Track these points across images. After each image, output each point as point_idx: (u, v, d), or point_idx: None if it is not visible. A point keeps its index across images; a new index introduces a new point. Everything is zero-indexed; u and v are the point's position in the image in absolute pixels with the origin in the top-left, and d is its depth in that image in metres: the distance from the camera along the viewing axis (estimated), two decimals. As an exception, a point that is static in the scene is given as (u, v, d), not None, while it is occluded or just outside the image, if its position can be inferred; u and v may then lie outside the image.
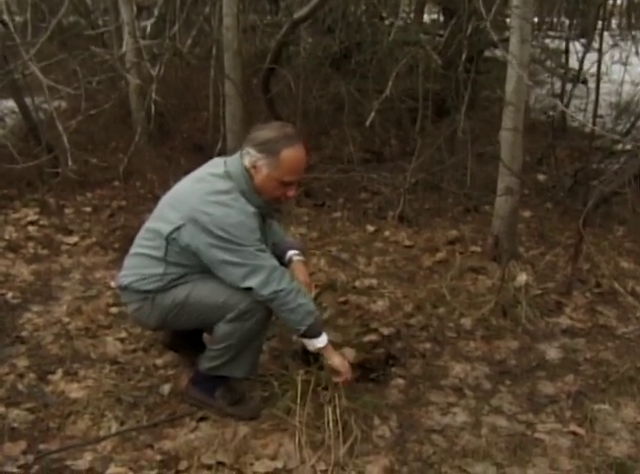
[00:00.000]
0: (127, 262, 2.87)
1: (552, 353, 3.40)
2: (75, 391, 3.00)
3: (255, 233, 2.65)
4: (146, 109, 4.85)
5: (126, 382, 3.07)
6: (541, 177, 5.56)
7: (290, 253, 3.05)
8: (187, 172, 2.87)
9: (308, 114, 5.76)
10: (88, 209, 4.97)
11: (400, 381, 3.14)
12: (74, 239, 4.52)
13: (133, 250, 2.86)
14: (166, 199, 2.82)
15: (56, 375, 3.11)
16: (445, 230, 4.56)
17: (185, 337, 3.17)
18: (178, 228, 2.66)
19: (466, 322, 3.58)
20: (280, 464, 2.59)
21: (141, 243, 2.82)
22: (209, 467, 2.57)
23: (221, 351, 2.78)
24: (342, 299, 3.76)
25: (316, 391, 2.83)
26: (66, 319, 3.57)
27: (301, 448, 2.64)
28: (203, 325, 2.87)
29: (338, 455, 2.61)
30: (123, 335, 3.46)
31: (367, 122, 4.07)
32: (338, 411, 2.72)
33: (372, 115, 4.05)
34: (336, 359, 2.84)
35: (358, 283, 3.93)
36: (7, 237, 4.44)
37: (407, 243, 4.45)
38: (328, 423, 2.68)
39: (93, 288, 3.92)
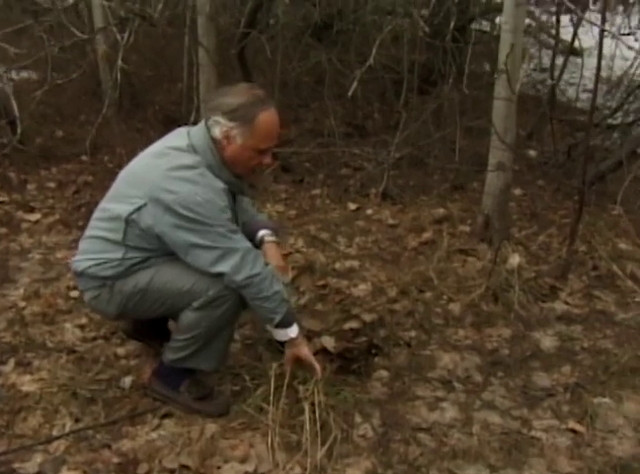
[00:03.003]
0: (82, 245, 2.58)
1: (547, 341, 3.15)
2: (27, 384, 2.73)
3: (225, 212, 2.38)
4: (114, 78, 4.51)
5: (84, 374, 2.80)
6: (532, 152, 5.31)
7: (262, 233, 2.76)
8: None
9: (287, 85, 5.46)
10: (52, 185, 4.65)
11: (384, 373, 2.88)
12: (36, 216, 4.22)
13: (88, 232, 2.56)
14: (123, 176, 2.53)
15: (8, 366, 2.85)
16: (432, 208, 4.29)
17: (148, 325, 2.89)
18: (138, 209, 2.38)
19: (455, 308, 3.33)
20: (250, 468, 2.35)
21: (97, 224, 2.53)
22: (172, 471, 2.32)
23: (187, 341, 2.52)
24: (321, 283, 3.50)
25: (292, 386, 2.57)
26: (22, 303, 3.29)
27: (274, 450, 2.39)
28: (169, 313, 2.59)
29: (315, 458, 2.36)
30: (84, 321, 3.18)
31: (349, 93, 3.77)
32: (316, 408, 2.46)
33: (354, 85, 3.76)
34: (306, 351, 2.59)
35: (338, 265, 3.67)
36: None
37: (391, 222, 4.19)
38: (304, 422, 2.42)
39: (53, 270, 3.63)
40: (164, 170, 2.35)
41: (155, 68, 5.94)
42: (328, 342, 2.97)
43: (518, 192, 4.62)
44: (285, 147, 4.89)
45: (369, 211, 4.35)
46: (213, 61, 4.33)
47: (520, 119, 5.45)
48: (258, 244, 2.73)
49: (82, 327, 3.14)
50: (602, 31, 3.19)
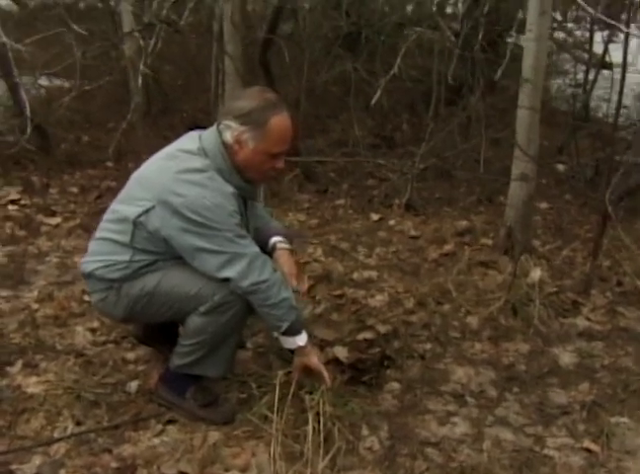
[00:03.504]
0: (91, 247, 2.56)
1: (566, 357, 3.06)
2: (33, 385, 2.71)
3: (234, 217, 2.34)
4: (139, 83, 4.53)
5: (90, 378, 2.76)
6: (561, 167, 5.20)
7: (274, 239, 2.71)
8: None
9: (314, 94, 5.42)
10: (74, 190, 4.68)
11: (395, 385, 2.81)
12: (56, 220, 4.23)
13: (98, 233, 2.54)
14: (135, 178, 2.51)
15: (15, 367, 2.82)
16: (455, 220, 4.21)
17: (159, 330, 2.85)
18: (146, 211, 2.35)
19: (472, 321, 3.25)
20: (250, 477, 2.29)
21: (106, 226, 2.51)
22: (170, 478, 2.28)
23: (193, 347, 2.48)
24: (337, 292, 3.44)
25: (298, 395, 2.51)
26: (35, 306, 3.28)
27: (276, 460, 2.32)
28: (175, 318, 2.54)
29: (317, 469, 2.29)
30: (95, 325, 3.16)
31: (373, 101, 3.73)
32: (321, 419, 2.39)
33: (378, 93, 3.72)
34: (314, 360, 2.54)
35: (356, 276, 3.61)
36: (-18, 218, 4.17)
37: (412, 233, 4.12)
38: (308, 432, 2.36)
39: (69, 273, 3.62)
40: (173, 173, 2.33)
41: (185, 76, 5.96)
42: (340, 352, 2.90)
43: (544, 205, 4.53)
44: (310, 156, 4.85)
45: (392, 222, 4.29)
46: (238, 70, 4.32)
47: (552, 134, 5.40)
48: (270, 251, 2.69)
49: (93, 331, 3.12)
50: (627, 44, 3.12)
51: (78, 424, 2.52)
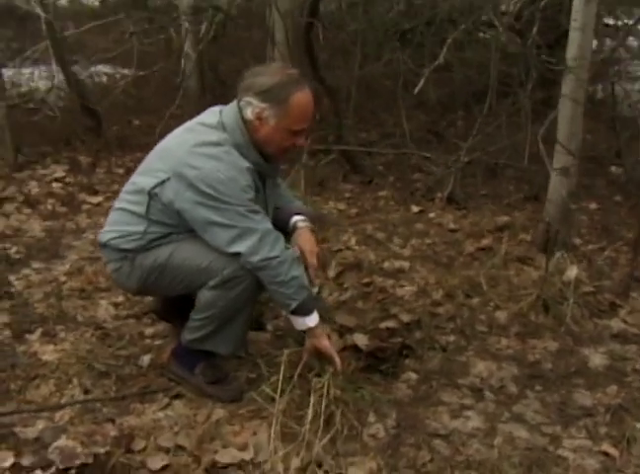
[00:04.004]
0: (110, 217, 2.57)
1: (596, 359, 2.91)
2: (49, 353, 2.74)
3: (247, 192, 2.31)
4: (189, 68, 4.56)
5: (105, 349, 2.79)
6: (614, 168, 4.99)
7: (295, 219, 2.67)
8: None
9: (367, 85, 5.35)
10: (120, 171, 4.74)
11: (412, 375, 2.73)
12: (98, 199, 4.29)
13: (116, 204, 2.56)
14: (155, 150, 2.51)
15: (34, 335, 2.88)
16: (496, 216, 4.08)
17: (178, 305, 2.83)
18: (162, 182, 2.35)
19: (501, 316, 3.13)
20: (247, 456, 2.25)
21: (124, 197, 2.52)
22: (167, 450, 2.25)
23: (203, 321, 2.46)
24: (366, 281, 3.38)
25: (305, 377, 2.46)
26: (63, 278, 3.33)
27: (276, 440, 2.27)
28: (188, 291, 2.53)
29: (315, 452, 2.23)
30: (120, 299, 3.19)
31: (416, 91, 3.63)
32: (324, 401, 2.33)
33: (421, 83, 3.61)
34: (325, 342, 2.47)
35: (387, 265, 3.53)
36: (27, 192, 4.24)
37: (451, 226, 4.01)
38: (309, 414, 2.30)
39: (103, 251, 3.66)
40: (190, 146, 2.32)
41: (243, 63, 5.96)
42: (360, 339, 2.82)
43: (593, 206, 4.36)
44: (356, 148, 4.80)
45: (432, 215, 4.19)
46: (284, 56, 4.30)
47: (612, 137, 5.18)
48: (291, 229, 2.65)
49: (117, 305, 3.15)
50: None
51: (86, 392, 2.54)
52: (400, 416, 2.48)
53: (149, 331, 2.95)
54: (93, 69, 5.80)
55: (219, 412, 2.46)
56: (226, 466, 2.20)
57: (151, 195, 2.38)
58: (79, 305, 3.11)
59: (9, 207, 4.05)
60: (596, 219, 4.19)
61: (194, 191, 2.28)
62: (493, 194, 4.52)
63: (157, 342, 2.88)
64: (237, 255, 2.32)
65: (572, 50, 3.15)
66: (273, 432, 2.29)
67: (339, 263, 3.48)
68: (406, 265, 3.53)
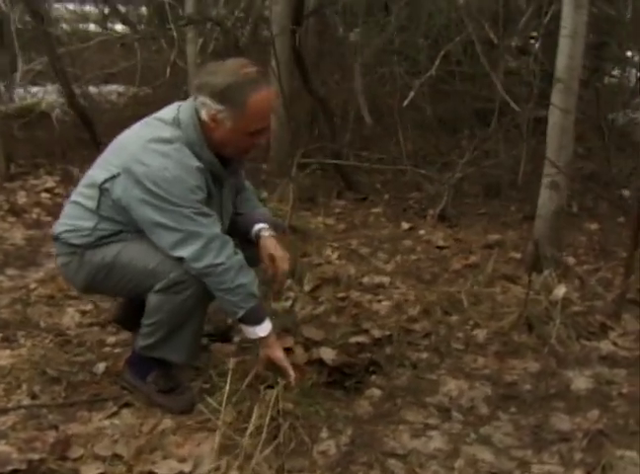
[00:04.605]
0: (64, 209, 2.48)
1: (580, 382, 2.73)
2: (3, 358, 2.67)
3: (196, 193, 2.22)
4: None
5: (61, 355, 2.69)
6: (626, 192, 4.81)
7: (259, 227, 2.55)
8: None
9: (370, 102, 5.25)
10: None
11: (376, 392, 2.58)
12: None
13: (72, 196, 2.46)
14: (113, 143, 2.42)
15: (-7, 341, 2.78)
16: (489, 234, 3.94)
17: (139, 314, 2.74)
18: (112, 177, 2.26)
19: (480, 334, 2.97)
20: (187, 468, 2.13)
21: (79, 190, 2.43)
22: (103, 459, 2.14)
23: (152, 327, 2.36)
24: (342, 295, 3.25)
25: (258, 388, 2.34)
26: (34, 285, 3.26)
27: (217, 453, 2.15)
28: (136, 293, 2.42)
29: (253, 466, 2.10)
30: (88, 307, 3.11)
31: (405, 103, 3.54)
32: (269, 414, 2.20)
33: (412, 94, 3.52)
34: (278, 353, 2.36)
35: (366, 280, 3.40)
36: (14, 201, 4.20)
37: (440, 244, 3.87)
38: (258, 427, 2.17)
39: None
40: (143, 141, 2.23)
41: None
42: (326, 353, 2.70)
43: (594, 226, 4.19)
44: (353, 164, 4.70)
45: (422, 232, 4.06)
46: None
47: (622, 159, 5.02)
48: (254, 238, 2.55)
49: (84, 313, 3.07)
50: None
51: (33, 397, 2.45)
52: (356, 433, 2.34)
53: (111, 339, 2.86)
54: (96, 88, 5.77)
55: (167, 422, 2.34)
56: (162, 478, 2.09)
57: (102, 189, 2.28)
58: (44, 312, 3.03)
59: (-6, 216, 4.03)
60: (595, 240, 4.02)
61: (141, 188, 2.19)
62: (492, 212, 4.37)
63: (117, 350, 2.78)
64: (181, 259, 2.23)
65: (562, 59, 3.02)
66: (216, 444, 2.17)
67: (317, 276, 3.37)
68: (386, 280, 3.40)
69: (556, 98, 3.10)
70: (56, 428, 2.29)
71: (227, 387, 2.26)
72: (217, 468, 2.11)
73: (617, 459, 2.27)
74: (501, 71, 4.39)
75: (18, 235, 3.81)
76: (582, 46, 3.01)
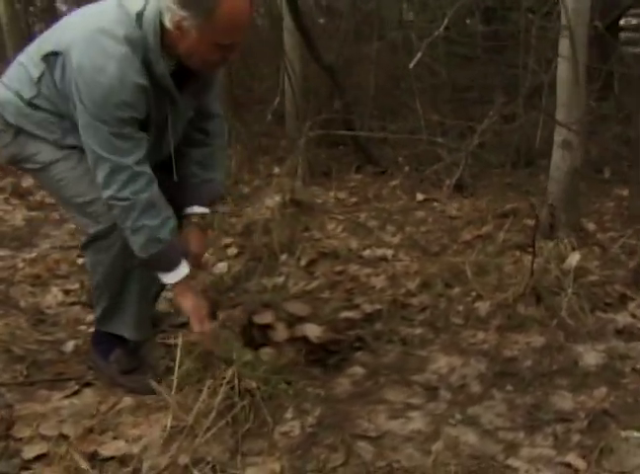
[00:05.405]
0: (9, 68, 2.23)
1: (590, 357, 2.46)
2: (-27, 336, 2.56)
3: (122, 109, 1.94)
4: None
5: (31, 333, 2.58)
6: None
7: (190, 211, 2.32)
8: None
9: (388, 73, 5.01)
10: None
11: (359, 370, 2.38)
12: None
13: (20, 57, 2.20)
14: (75, 12, 2.17)
15: (-34, 319, 2.70)
16: (508, 202, 3.66)
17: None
18: (56, 54, 2.02)
19: (482, 307, 2.73)
20: (136, 449, 1.98)
21: (29, 49, 2.18)
22: (48, 439, 2.01)
23: (96, 293, 2.26)
24: (338, 269, 3.06)
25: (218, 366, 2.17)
26: (21, 265, 3.17)
27: (168, 435, 1.99)
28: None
29: (211, 450, 1.93)
30: (74, 287, 3.00)
31: (411, 65, 3.27)
32: (220, 393, 2.03)
33: (419, 55, 3.26)
34: (184, 303, 2.17)
35: (367, 253, 3.19)
36: (19, 183, 4.14)
37: (453, 214, 3.63)
38: (198, 406, 2.01)
39: (76, 240, 3.47)
40: (95, 27, 1.95)
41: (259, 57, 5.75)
42: (311, 330, 2.50)
43: (625, 192, 3.85)
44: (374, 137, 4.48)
45: (436, 203, 3.82)
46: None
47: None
48: (183, 220, 2.32)
49: (67, 292, 2.96)
50: None
51: (-7, 376, 2.34)
52: (326, 413, 2.14)
53: (90, 318, 2.72)
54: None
55: (127, 401, 2.21)
56: (107, 459, 1.94)
57: (46, 61, 2.05)
58: (28, 291, 2.95)
59: (-3, 198, 3.98)
60: (624, 206, 3.69)
61: (74, 78, 1.95)
62: (517, 182, 4.08)
63: (91, 329, 2.63)
64: None
65: (568, 2, 2.74)
66: (168, 425, 2.01)
67: (316, 251, 3.18)
68: (389, 253, 3.19)
69: (563, 47, 2.82)
70: (11, 407, 2.18)
71: (177, 363, 2.10)
72: (167, 451, 1.95)
73: (621, 441, 2.02)
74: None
75: (19, 216, 3.76)
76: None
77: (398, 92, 5.08)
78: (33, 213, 3.83)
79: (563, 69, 2.84)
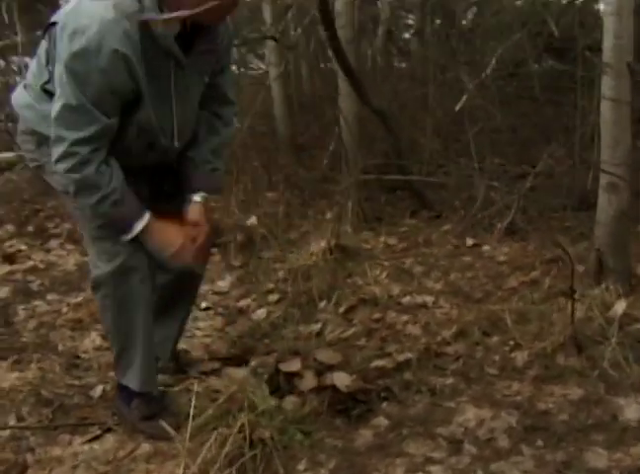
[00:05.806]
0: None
1: (631, 410, 2.30)
2: (7, 380, 2.62)
3: (96, 74, 1.88)
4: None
5: (62, 377, 2.61)
6: None
7: (197, 196, 2.27)
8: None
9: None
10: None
11: (383, 421, 2.30)
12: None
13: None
14: None
15: (5, 363, 2.77)
16: (557, 246, 3.50)
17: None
18: (54, 24, 2.00)
19: (519, 356, 2.61)
20: (143, 498, 1.96)
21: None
22: (57, 485, 2.02)
23: (110, 339, 2.33)
24: (377, 316, 2.99)
25: (236, 416, 2.13)
26: (65, 309, 3.24)
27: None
28: None
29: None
30: (114, 332, 3.02)
31: (457, 107, 3.25)
32: (228, 444, 2.00)
33: (464, 99, 3.23)
34: (162, 237, 2.14)
35: (407, 299, 3.11)
36: (77, 230, 4.24)
37: (502, 259, 3.50)
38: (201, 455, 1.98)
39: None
40: None
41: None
42: (340, 379, 2.45)
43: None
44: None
45: (485, 247, 3.70)
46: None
47: None
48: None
49: (105, 337, 2.98)
50: None
51: (19, 420, 2.37)
52: (341, 465, 2.08)
53: (122, 363, 2.75)
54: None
55: (145, 447, 2.21)
56: (115, 508, 1.94)
57: (48, 33, 2.02)
58: (67, 336, 3.00)
59: (54, 243, 4.09)
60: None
61: (59, 36, 1.93)
62: (575, 225, 3.91)
63: (124, 374, 2.67)
64: None
65: (608, 40, 2.65)
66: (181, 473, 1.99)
67: (356, 298, 3.13)
68: (429, 299, 3.09)
69: (606, 88, 2.72)
70: (33, 451, 2.21)
71: (191, 412, 2.08)
72: (174, 500, 1.93)
73: (657, 504, 1.87)
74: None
75: (71, 261, 3.85)
76: (631, 24, 2.62)
77: (455, 133, 5.02)
78: (85, 258, 3.90)
79: (606, 109, 2.73)
